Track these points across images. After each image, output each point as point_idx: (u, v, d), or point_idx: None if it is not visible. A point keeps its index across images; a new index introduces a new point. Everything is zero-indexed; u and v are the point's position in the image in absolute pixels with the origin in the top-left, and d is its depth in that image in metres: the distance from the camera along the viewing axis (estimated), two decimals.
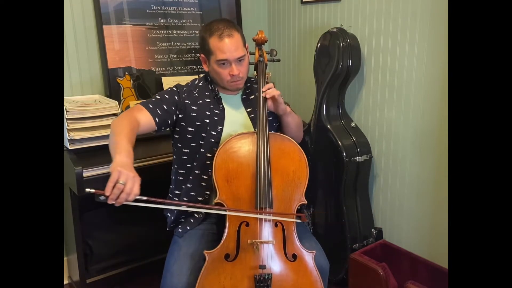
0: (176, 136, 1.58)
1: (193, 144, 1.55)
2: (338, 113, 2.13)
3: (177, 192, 1.60)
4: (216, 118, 1.55)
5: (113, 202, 1.15)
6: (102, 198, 1.16)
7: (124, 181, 1.15)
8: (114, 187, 1.14)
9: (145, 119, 1.45)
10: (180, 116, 1.54)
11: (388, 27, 1.96)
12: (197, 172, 1.54)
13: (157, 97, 1.53)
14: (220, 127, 1.54)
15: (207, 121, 1.54)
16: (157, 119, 1.48)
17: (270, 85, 1.52)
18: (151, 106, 1.49)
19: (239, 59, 1.49)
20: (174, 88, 1.57)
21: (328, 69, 2.03)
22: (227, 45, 1.46)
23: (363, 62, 2.09)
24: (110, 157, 1.75)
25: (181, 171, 1.58)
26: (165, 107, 1.51)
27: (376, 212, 2.16)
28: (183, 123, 1.54)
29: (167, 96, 1.54)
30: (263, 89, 1.50)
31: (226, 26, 1.49)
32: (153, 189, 2.13)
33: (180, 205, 1.53)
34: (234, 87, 1.55)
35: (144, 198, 1.21)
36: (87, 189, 1.17)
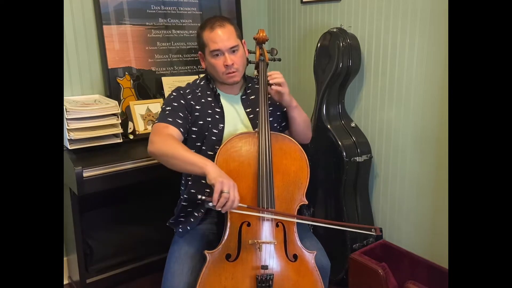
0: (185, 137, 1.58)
1: (198, 144, 1.54)
2: (338, 113, 2.13)
3: (182, 188, 1.62)
4: (217, 116, 1.55)
5: (220, 209, 1.25)
6: (210, 204, 1.25)
7: (228, 190, 1.23)
8: (219, 196, 1.23)
9: (175, 134, 1.45)
10: (190, 117, 1.54)
11: (388, 27, 1.96)
12: None
13: (168, 108, 1.51)
14: (222, 125, 1.54)
15: (209, 119, 1.54)
16: (181, 129, 1.48)
17: (277, 72, 1.50)
18: (170, 119, 1.47)
19: (232, 50, 1.51)
20: (175, 93, 1.56)
21: (328, 69, 2.03)
22: (219, 35, 1.49)
23: (363, 62, 2.09)
24: (110, 157, 1.78)
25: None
26: (180, 114, 1.50)
27: (376, 212, 2.16)
28: (189, 123, 1.54)
29: (175, 104, 1.52)
30: (269, 74, 1.49)
31: (218, 19, 1.53)
32: (154, 190, 2.12)
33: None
34: (230, 80, 1.54)
35: (245, 205, 1.32)
36: (199, 196, 1.27)
